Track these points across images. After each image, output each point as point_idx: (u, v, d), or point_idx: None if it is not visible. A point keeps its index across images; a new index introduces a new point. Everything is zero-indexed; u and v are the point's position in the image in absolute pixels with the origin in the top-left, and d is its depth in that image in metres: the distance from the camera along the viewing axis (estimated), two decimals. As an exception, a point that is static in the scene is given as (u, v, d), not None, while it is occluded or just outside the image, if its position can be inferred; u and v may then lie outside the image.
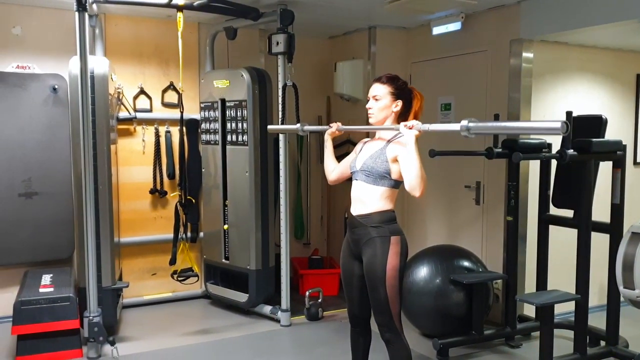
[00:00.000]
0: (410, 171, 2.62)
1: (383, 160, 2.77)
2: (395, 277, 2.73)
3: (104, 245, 4.14)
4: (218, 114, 4.80)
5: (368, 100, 2.91)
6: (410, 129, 2.60)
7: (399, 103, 2.84)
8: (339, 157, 3.20)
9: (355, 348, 3.05)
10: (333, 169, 3.13)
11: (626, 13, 3.68)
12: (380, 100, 2.85)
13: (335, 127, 3.11)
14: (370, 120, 2.90)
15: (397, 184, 2.79)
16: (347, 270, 2.96)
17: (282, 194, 4.54)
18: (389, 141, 2.81)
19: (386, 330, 2.78)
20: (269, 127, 3.98)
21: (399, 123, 2.82)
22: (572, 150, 3.57)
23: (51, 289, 3.92)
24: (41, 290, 3.91)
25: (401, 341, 2.77)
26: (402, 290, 2.79)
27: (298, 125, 3.36)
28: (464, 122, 2.35)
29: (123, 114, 4.83)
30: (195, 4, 4.15)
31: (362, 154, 2.90)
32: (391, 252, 2.74)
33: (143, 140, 4.98)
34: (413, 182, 2.61)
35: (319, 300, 4.81)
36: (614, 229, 3.81)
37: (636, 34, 4.33)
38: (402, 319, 2.82)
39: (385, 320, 2.76)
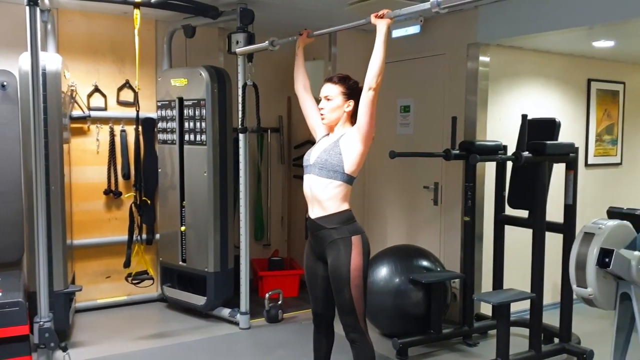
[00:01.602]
0: (375, 60, 2.65)
1: (337, 153, 2.76)
2: (359, 277, 2.74)
3: (55, 248, 4.01)
4: (175, 112, 4.71)
5: (320, 101, 2.90)
6: (382, 17, 2.66)
7: (351, 103, 2.85)
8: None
9: (317, 348, 3.03)
10: (302, 81, 3.13)
11: (577, 20, 3.81)
12: (332, 101, 2.86)
13: (305, 33, 3.17)
14: (323, 122, 2.92)
15: (350, 179, 2.78)
16: (311, 272, 2.95)
17: (241, 195, 4.49)
18: (342, 135, 2.81)
19: (351, 330, 2.78)
20: (238, 49, 3.95)
21: (351, 123, 2.83)
22: (527, 153, 3.66)
23: (-1, 294, 3.76)
24: (-12, 295, 3.75)
25: (366, 341, 2.78)
26: (366, 289, 2.80)
27: (267, 42, 3.40)
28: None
29: (76, 112, 4.69)
30: (152, 1, 4.06)
31: (317, 149, 2.89)
32: (354, 252, 2.73)
33: (97, 140, 4.84)
34: (374, 70, 2.64)
35: (279, 302, 4.77)
36: (567, 229, 3.92)
37: (586, 40, 4.48)
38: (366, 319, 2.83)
39: (351, 321, 2.76)
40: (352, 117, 2.84)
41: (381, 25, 2.67)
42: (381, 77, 2.65)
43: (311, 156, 2.88)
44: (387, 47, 2.65)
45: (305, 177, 2.88)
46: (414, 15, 2.64)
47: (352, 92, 2.85)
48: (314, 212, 2.83)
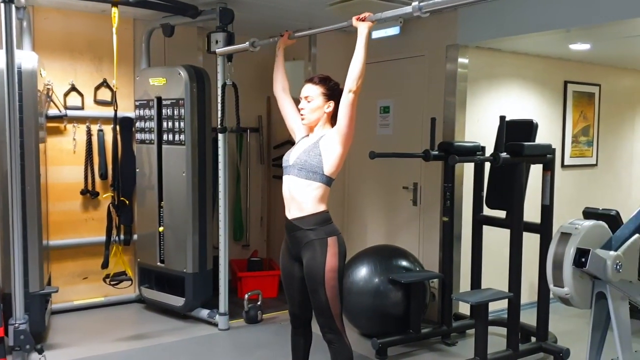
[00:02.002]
0: (356, 63, 2.65)
1: (316, 154, 2.76)
2: (334, 278, 2.74)
3: (31, 249, 3.95)
4: (154, 112, 4.67)
5: (300, 101, 2.90)
6: (363, 20, 2.67)
7: (331, 104, 2.85)
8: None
9: (295, 349, 3.04)
10: (282, 83, 3.13)
11: (554, 23, 3.86)
12: (313, 101, 2.86)
13: (286, 35, 3.16)
14: (303, 122, 2.92)
15: (329, 181, 2.78)
16: (287, 273, 2.94)
17: (220, 195, 4.46)
18: (322, 136, 2.82)
19: (328, 331, 2.78)
20: (218, 50, 3.92)
21: (331, 125, 2.83)
22: (505, 154, 3.70)
23: (-28, 296, 3.70)
24: (-39, 297, 3.68)
25: (343, 341, 2.78)
26: (342, 290, 2.80)
27: (247, 43, 3.40)
28: (415, 3, 2.48)
29: (53, 111, 4.62)
30: (130, -1, 4.03)
31: (296, 149, 2.89)
32: (329, 253, 2.74)
33: (74, 139, 4.78)
34: (355, 73, 2.65)
35: (258, 303, 4.76)
36: (544, 229, 3.97)
37: (563, 43, 4.54)
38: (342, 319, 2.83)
39: (327, 321, 2.76)
40: (332, 118, 2.85)
41: (362, 28, 2.67)
42: (362, 80, 2.66)
43: (290, 157, 2.87)
44: (368, 50, 2.66)
45: (285, 177, 2.87)
46: (395, 17, 2.66)
47: (333, 93, 2.86)
48: (291, 213, 2.83)
